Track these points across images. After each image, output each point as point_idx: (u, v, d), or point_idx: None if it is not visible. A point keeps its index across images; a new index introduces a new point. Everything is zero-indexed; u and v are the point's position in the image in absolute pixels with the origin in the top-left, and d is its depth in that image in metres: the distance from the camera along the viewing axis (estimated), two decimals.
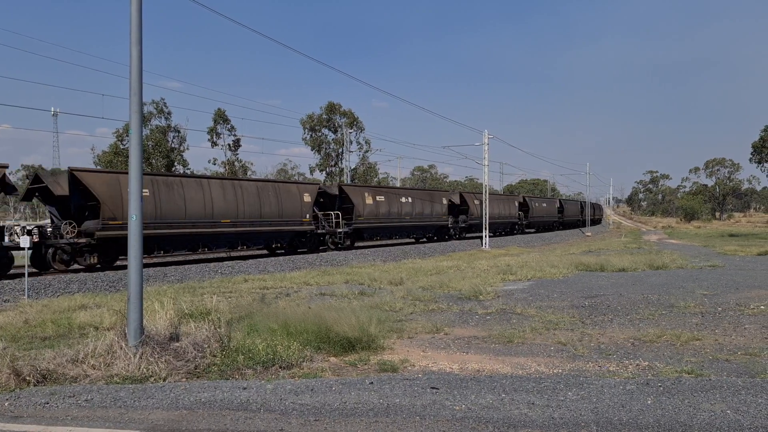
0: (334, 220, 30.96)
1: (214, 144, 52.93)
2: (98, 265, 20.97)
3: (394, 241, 39.06)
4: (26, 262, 15.61)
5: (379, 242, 37.46)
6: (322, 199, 31.69)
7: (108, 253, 21.33)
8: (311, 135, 59.85)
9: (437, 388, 6.01)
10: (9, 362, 6.66)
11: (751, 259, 21.85)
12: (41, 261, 20.23)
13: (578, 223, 76.95)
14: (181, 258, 27.14)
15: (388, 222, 34.85)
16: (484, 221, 40.32)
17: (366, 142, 61.60)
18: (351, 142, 58.22)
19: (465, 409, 5.41)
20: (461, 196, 44.72)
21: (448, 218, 41.71)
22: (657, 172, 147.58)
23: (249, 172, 56.72)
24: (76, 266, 21.06)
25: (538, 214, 58.87)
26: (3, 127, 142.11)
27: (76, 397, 6.02)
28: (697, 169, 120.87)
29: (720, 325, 9.32)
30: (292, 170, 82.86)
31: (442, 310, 11.32)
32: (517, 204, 53.47)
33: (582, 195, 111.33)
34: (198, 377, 6.88)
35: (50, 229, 20.83)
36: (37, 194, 21.96)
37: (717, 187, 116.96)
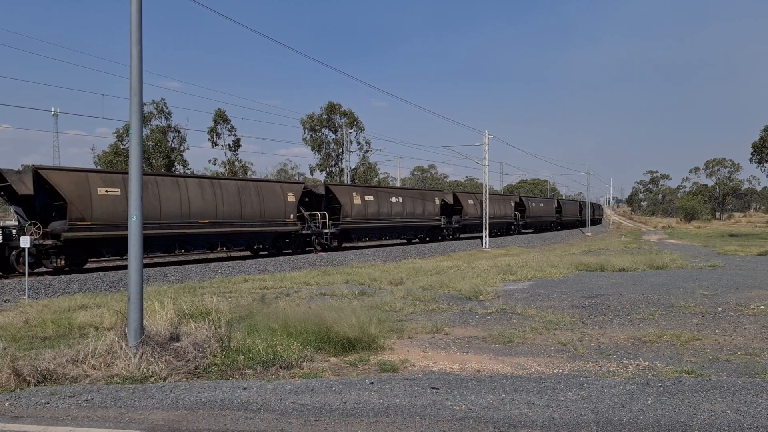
0: (320, 221, 30.09)
1: (214, 144, 52.98)
2: (66, 268, 20.04)
3: (384, 242, 38.15)
4: (26, 262, 15.60)
5: (368, 243, 36.52)
6: (307, 199, 30.95)
7: (76, 255, 20.35)
8: (311, 135, 59.89)
9: (437, 388, 6.01)
10: (9, 362, 6.66)
11: (751, 259, 21.85)
12: (5, 263, 19.17)
13: (577, 224, 76.19)
14: (181, 258, 27.14)
15: (378, 222, 33.94)
16: (484, 221, 40.25)
17: (366, 142, 61.70)
18: (351, 142, 58.25)
19: (465, 409, 5.41)
20: (455, 196, 43.97)
21: (441, 218, 40.94)
22: (657, 172, 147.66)
23: (249, 172, 56.74)
24: (42, 269, 19.97)
25: (535, 214, 58.18)
26: (3, 127, 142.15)
27: (77, 397, 6.02)
28: (697, 169, 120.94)
29: (720, 325, 9.32)
30: (292, 170, 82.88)
31: (443, 310, 11.32)
32: (513, 204, 52.72)
33: (582, 195, 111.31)
34: (198, 377, 6.88)
35: (15, 231, 19.90)
36: (1, 193, 21.02)
37: (717, 187, 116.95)
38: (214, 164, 53.84)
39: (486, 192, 41.60)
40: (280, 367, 7.09)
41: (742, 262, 20.37)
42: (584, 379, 6.26)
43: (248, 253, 28.75)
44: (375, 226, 33.84)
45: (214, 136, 52.48)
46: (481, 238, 44.10)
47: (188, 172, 50.06)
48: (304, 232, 29.07)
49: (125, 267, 21.79)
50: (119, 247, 20.81)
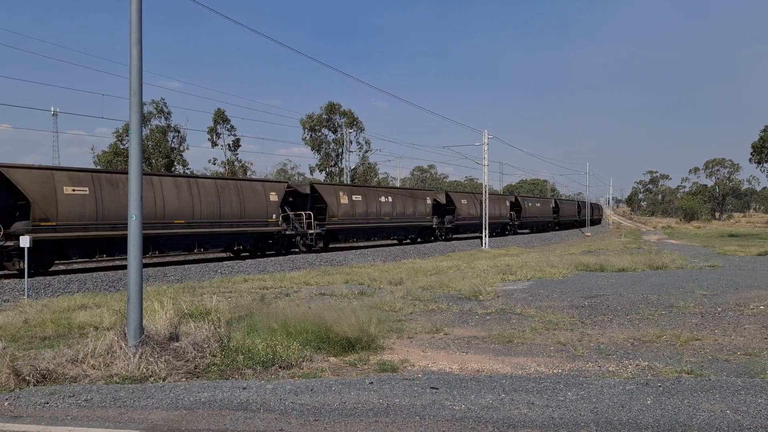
0: (305, 221, 29.31)
1: (214, 144, 52.96)
2: (31, 271, 18.61)
3: (373, 243, 37.37)
4: (26, 262, 15.60)
5: (356, 244, 35.80)
6: (291, 198, 30.17)
7: (41, 258, 19.18)
8: (311, 135, 59.87)
9: (437, 388, 6.01)
10: (9, 362, 6.65)
11: (751, 260, 21.85)
12: None
13: (575, 224, 75.33)
14: (181, 258, 27.14)
15: (366, 223, 32.96)
16: (483, 221, 40.22)
17: (366, 142, 61.66)
18: (351, 142, 58.26)
19: (465, 409, 5.41)
20: (447, 196, 43.13)
21: (433, 219, 40.15)
22: (657, 172, 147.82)
23: (249, 172, 56.71)
24: (6, 272, 19.33)
25: (532, 214, 57.27)
26: (3, 127, 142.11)
27: (76, 397, 6.02)
28: (696, 169, 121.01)
29: (720, 325, 9.32)
30: (292, 170, 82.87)
31: (442, 310, 11.33)
32: (508, 204, 51.78)
33: (582, 195, 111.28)
34: (198, 377, 6.88)
35: None
36: None
37: (717, 187, 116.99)
38: (214, 164, 53.86)
39: (486, 192, 41.60)
40: (280, 367, 7.09)
41: (741, 263, 20.38)
42: (584, 379, 6.26)
43: (229, 254, 28.01)
44: (363, 226, 32.97)
45: (214, 136, 52.48)
46: (474, 238, 44.06)
47: (188, 172, 50.05)
48: (287, 232, 28.24)
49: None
50: (88, 248, 20.19)
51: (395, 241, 38.95)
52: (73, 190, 19.50)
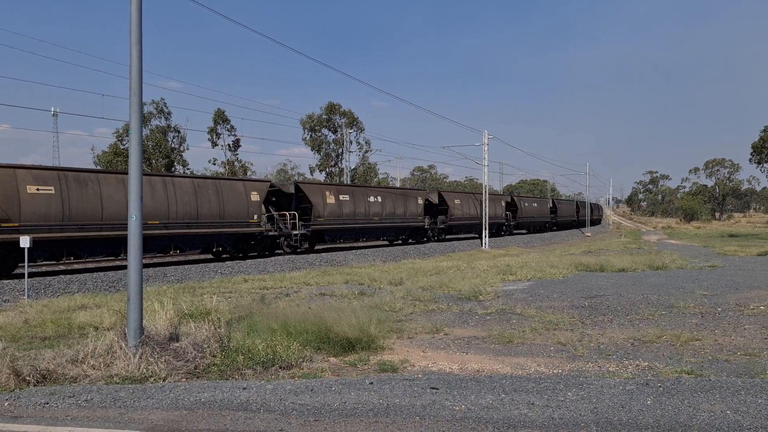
0: (290, 221, 28.37)
1: (214, 144, 52.99)
2: None
3: (361, 244, 36.42)
4: (26, 262, 15.60)
5: (343, 245, 34.98)
6: (274, 198, 29.40)
7: (2, 261, 18.43)
8: (311, 135, 59.92)
9: (437, 389, 6.01)
10: (9, 362, 6.66)
11: (751, 260, 21.86)
12: None
13: (573, 224, 74.42)
14: (181, 258, 27.13)
15: (354, 223, 31.95)
16: (483, 221, 40.17)
17: (366, 143, 61.72)
18: (351, 143, 58.28)
19: (465, 409, 5.41)
20: (440, 196, 42.23)
21: (425, 219, 39.21)
22: (657, 172, 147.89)
23: (249, 172, 56.73)
24: None
25: (528, 214, 56.28)
26: (3, 127, 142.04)
27: (76, 397, 6.02)
28: (696, 169, 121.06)
29: (720, 325, 9.32)
30: (292, 170, 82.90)
31: (442, 310, 11.33)
32: (503, 204, 50.65)
33: (582, 195, 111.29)
34: (198, 377, 6.88)
35: None
36: None
37: (717, 187, 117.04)
38: (214, 164, 53.91)
39: (486, 192, 41.60)
40: (280, 367, 7.09)
41: (741, 263, 20.38)
42: (584, 380, 6.27)
43: (209, 256, 27.16)
44: (351, 227, 32.02)
45: (214, 136, 52.52)
46: (468, 239, 43.85)
47: (188, 172, 50.07)
48: (270, 233, 27.33)
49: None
50: (54, 250, 19.36)
51: (386, 242, 38.16)
52: (38, 190, 18.69)
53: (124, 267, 20.08)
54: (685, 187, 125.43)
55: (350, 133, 58.07)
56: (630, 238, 45.14)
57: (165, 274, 20.00)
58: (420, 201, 38.60)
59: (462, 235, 45.83)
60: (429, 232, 40.40)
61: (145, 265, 21.32)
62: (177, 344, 7.53)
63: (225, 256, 26.64)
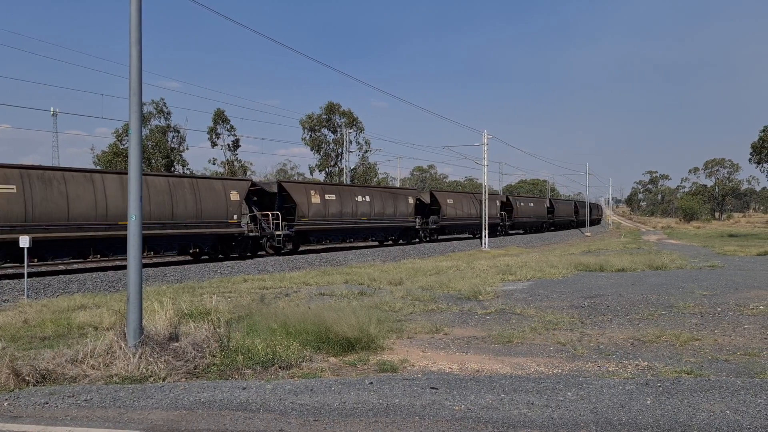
0: (273, 221, 27.52)
1: (213, 144, 52.99)
2: None
3: (348, 245, 35.54)
4: (25, 262, 15.60)
5: (330, 246, 34.07)
6: (255, 198, 28.59)
7: None
8: (311, 135, 59.92)
9: (437, 388, 6.01)
10: (8, 362, 6.65)
11: (751, 260, 21.87)
12: None
13: (572, 224, 73.43)
14: (180, 258, 27.12)
15: (341, 224, 31.10)
16: (483, 221, 40.15)
17: (366, 143, 61.71)
18: (350, 143, 58.28)
19: (464, 409, 5.41)
20: (432, 195, 41.39)
21: (416, 219, 38.26)
22: (656, 172, 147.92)
23: (248, 172, 56.72)
24: None
25: (524, 214, 55.24)
26: (2, 127, 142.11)
27: (76, 397, 6.02)
28: (696, 169, 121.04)
29: (719, 325, 9.32)
30: (291, 170, 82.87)
31: (442, 310, 11.33)
32: (498, 203, 49.56)
33: (582, 195, 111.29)
34: (197, 377, 6.88)
35: None
36: None
37: (716, 187, 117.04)
38: (214, 164, 53.91)
39: (485, 192, 41.59)
40: (280, 367, 7.09)
41: (741, 263, 20.39)
42: (583, 380, 6.27)
43: (188, 258, 26.33)
44: (337, 227, 31.09)
45: (214, 136, 52.51)
46: (463, 239, 43.55)
47: (187, 172, 50.06)
48: (251, 234, 26.53)
49: (96, 269, 21.06)
50: (15, 252, 18.00)
51: (375, 243, 37.35)
52: None
53: (124, 267, 19.96)
54: (684, 187, 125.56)
55: (350, 133, 58.08)
56: (629, 238, 45.15)
57: (164, 274, 20.00)
58: (411, 201, 37.78)
59: (455, 236, 45.00)
60: (420, 232, 39.61)
61: (88, 269, 20.93)
62: (176, 344, 7.53)
63: (204, 257, 25.66)
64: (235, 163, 53.86)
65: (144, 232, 21.54)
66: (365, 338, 8.03)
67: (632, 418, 5.04)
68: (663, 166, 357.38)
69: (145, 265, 21.22)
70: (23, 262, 16.69)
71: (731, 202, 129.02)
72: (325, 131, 60.29)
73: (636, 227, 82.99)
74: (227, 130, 52.75)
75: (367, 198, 33.45)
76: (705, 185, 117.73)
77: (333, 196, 31.00)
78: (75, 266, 23.35)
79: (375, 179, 64.03)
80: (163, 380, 6.66)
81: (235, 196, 25.31)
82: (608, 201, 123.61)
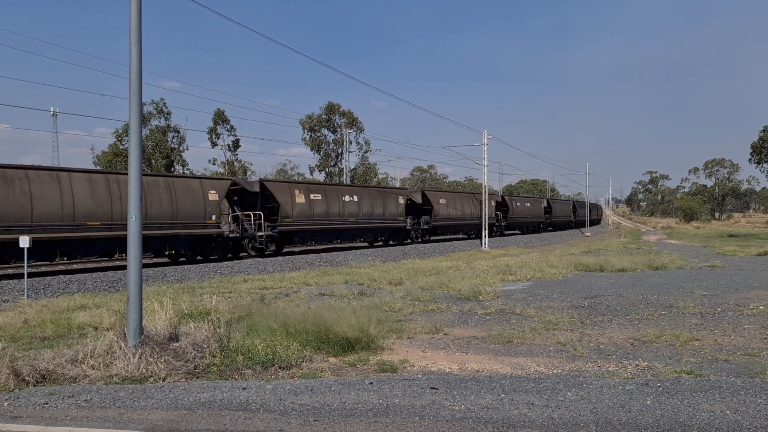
0: (254, 222, 26.63)
1: (213, 144, 52.98)
2: None
3: (336, 246, 34.72)
4: (25, 262, 15.60)
5: (315, 247, 33.24)
6: (236, 197, 27.88)
7: None
8: (310, 135, 59.89)
9: (437, 389, 6.01)
10: (8, 362, 6.65)
11: (751, 260, 21.86)
12: None
13: (570, 225, 72.52)
14: (161, 260, 27.10)
15: (328, 224, 30.07)
16: (483, 221, 40.09)
17: (365, 143, 61.65)
18: (350, 143, 58.27)
19: (464, 409, 5.41)
20: (423, 195, 40.21)
21: (407, 219, 37.12)
22: (656, 172, 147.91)
23: (248, 172, 56.70)
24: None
25: (520, 214, 54.21)
26: (2, 127, 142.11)
27: (76, 397, 6.02)
28: (696, 169, 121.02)
29: (719, 325, 9.32)
30: (291, 170, 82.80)
31: (442, 310, 11.33)
32: (494, 203, 48.01)
33: (581, 195, 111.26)
34: (197, 377, 6.88)
35: None
36: None
37: (716, 187, 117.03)
38: (214, 164, 53.88)
39: (485, 192, 41.59)
40: (280, 368, 7.09)
41: (741, 263, 20.39)
42: (583, 380, 6.27)
43: (166, 260, 25.33)
44: (323, 227, 30.01)
45: (214, 137, 52.50)
46: (459, 240, 43.33)
47: (187, 172, 50.07)
48: (232, 235, 25.70)
49: (96, 269, 20.77)
50: None
51: (365, 244, 36.48)
52: None
53: (124, 267, 19.75)
54: (684, 187, 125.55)
55: (350, 133, 58.07)
56: (629, 238, 45.14)
57: (164, 274, 20.00)
58: (401, 200, 36.54)
59: (448, 236, 44.08)
60: (412, 233, 38.62)
61: (88, 270, 20.85)
62: (176, 344, 7.52)
63: (182, 260, 24.71)
64: (235, 163, 53.84)
65: (115, 233, 20.03)
66: (365, 338, 8.03)
67: (632, 418, 5.04)
68: (663, 166, 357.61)
69: (83, 270, 20.91)
70: None
71: (731, 202, 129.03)
72: (325, 131, 60.27)
73: (636, 227, 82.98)
74: (227, 130, 52.74)
75: (355, 198, 32.35)
76: (705, 185, 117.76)
77: (318, 196, 30.02)
78: (75, 266, 23.35)
79: (375, 179, 64.02)
80: (163, 380, 6.66)
81: (213, 195, 24.31)
82: (608, 201, 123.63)
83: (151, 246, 22.67)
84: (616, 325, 9.64)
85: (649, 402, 5.43)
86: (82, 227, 19.58)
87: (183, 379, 6.76)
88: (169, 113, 50.27)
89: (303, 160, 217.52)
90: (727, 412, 5.11)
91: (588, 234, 61.82)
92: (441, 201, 40.92)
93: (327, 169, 60.10)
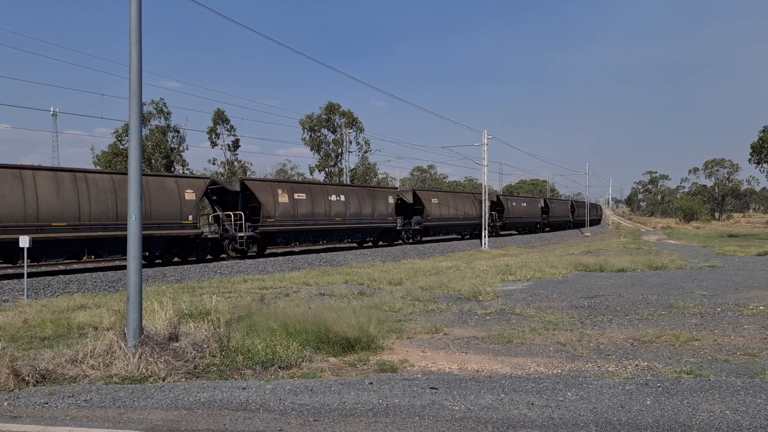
0: (235, 222, 25.81)
1: (213, 144, 52.96)
2: None
3: (322, 247, 33.98)
4: (25, 262, 15.59)
5: (299, 248, 32.43)
6: (215, 197, 27.14)
7: None
8: (310, 135, 59.88)
9: (436, 389, 6.01)
10: (8, 362, 6.65)
11: (751, 260, 21.87)
12: None
13: (568, 225, 71.61)
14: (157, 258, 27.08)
15: (313, 224, 29.17)
16: (483, 221, 40.15)
17: (365, 143, 61.64)
18: (350, 143, 58.27)
19: (464, 409, 5.42)
20: (414, 195, 39.19)
21: (397, 219, 36.13)
22: (656, 172, 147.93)
23: (248, 172, 56.69)
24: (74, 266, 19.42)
25: (516, 214, 52.72)
26: (2, 127, 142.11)
27: (76, 397, 6.02)
28: (696, 169, 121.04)
29: (719, 325, 9.33)
30: (291, 170, 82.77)
31: (442, 310, 11.33)
32: (488, 203, 46.98)
33: (581, 195, 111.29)
34: (197, 377, 6.88)
35: None
36: None
37: (716, 187, 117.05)
38: (214, 164, 53.84)
39: (485, 192, 41.61)
40: (279, 367, 7.09)
41: (741, 263, 20.39)
42: (583, 380, 6.27)
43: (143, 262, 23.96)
44: (308, 228, 29.08)
45: (214, 137, 52.49)
46: (453, 240, 43.23)
47: (187, 172, 50.08)
48: (210, 236, 24.91)
49: (96, 269, 20.65)
50: None
51: (353, 245, 35.81)
52: None
53: (124, 267, 19.65)
54: (684, 187, 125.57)
55: (350, 133, 58.07)
56: (629, 239, 45.14)
57: (164, 274, 20.00)
58: (391, 200, 35.35)
59: (441, 237, 43.39)
60: (403, 233, 37.56)
61: (87, 270, 20.79)
62: (176, 344, 7.53)
63: (158, 261, 23.84)
64: (235, 163, 53.83)
65: (83, 234, 19.58)
66: (365, 338, 8.03)
67: (632, 419, 5.04)
68: (663, 166, 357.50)
69: (83, 270, 20.70)
70: None
71: (731, 203, 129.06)
72: (324, 131, 60.25)
73: (636, 227, 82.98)
74: (227, 130, 52.71)
75: (342, 197, 31.37)
76: (705, 185, 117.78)
77: (303, 195, 29.04)
78: (75, 266, 23.34)
79: (375, 179, 64.01)
80: (163, 380, 6.67)
81: (190, 195, 23.28)
82: (608, 201, 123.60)
83: (121, 247, 20.73)
84: (616, 325, 9.64)
85: (648, 402, 5.44)
86: (46, 228, 18.76)
87: (183, 379, 6.76)
88: (169, 113, 50.28)
89: (303, 160, 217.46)
90: (727, 412, 5.11)
91: (588, 234, 61.82)
92: (433, 201, 39.96)
93: (327, 169, 60.09)
